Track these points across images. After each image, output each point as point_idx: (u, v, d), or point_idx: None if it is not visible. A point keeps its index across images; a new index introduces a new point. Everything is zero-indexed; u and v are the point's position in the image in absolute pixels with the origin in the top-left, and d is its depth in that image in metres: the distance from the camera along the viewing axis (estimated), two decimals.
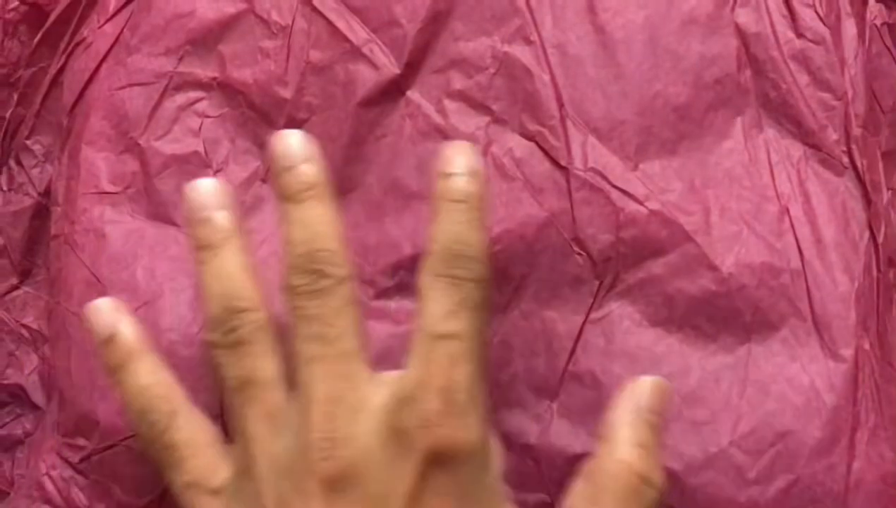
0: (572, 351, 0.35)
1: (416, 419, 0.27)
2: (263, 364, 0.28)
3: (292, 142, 0.30)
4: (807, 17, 0.36)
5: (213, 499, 0.29)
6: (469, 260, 0.28)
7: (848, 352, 0.34)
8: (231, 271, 0.29)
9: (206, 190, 0.30)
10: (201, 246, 0.30)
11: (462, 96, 0.36)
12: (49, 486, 0.35)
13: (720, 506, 0.34)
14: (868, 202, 0.35)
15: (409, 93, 0.36)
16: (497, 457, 0.29)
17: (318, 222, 0.29)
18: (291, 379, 0.28)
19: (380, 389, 0.28)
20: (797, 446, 0.34)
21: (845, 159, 0.36)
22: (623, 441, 0.29)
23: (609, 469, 0.28)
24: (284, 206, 0.29)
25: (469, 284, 0.28)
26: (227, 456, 0.29)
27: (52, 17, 0.39)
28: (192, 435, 0.29)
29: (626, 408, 0.29)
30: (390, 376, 0.28)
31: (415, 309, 0.29)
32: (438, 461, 0.27)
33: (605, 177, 0.35)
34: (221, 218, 0.30)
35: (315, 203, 0.29)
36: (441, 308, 0.28)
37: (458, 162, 0.29)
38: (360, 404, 0.27)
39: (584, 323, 0.35)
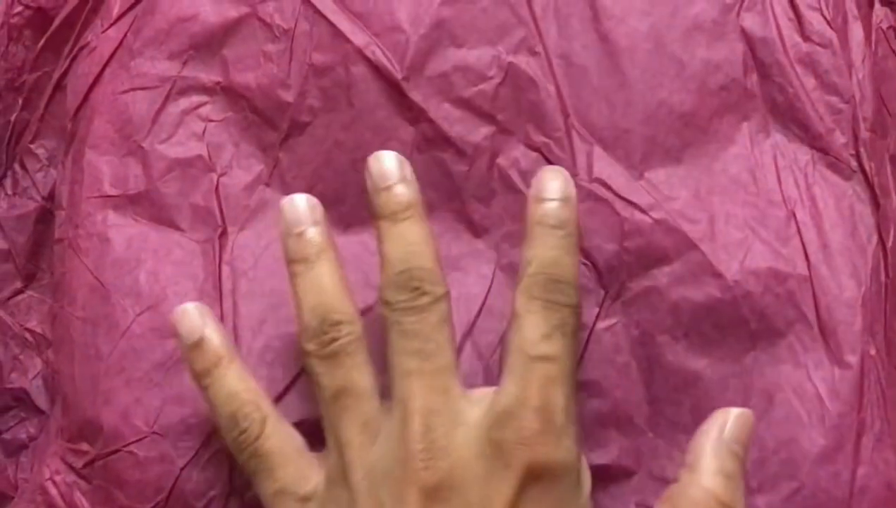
0: (579, 360, 0.35)
1: (515, 435, 0.28)
2: (359, 374, 0.30)
3: (388, 163, 0.31)
4: (813, 20, 0.37)
5: (303, 507, 0.30)
6: (565, 286, 0.30)
7: (853, 359, 0.34)
8: (326, 284, 0.31)
9: (300, 205, 0.32)
10: (296, 259, 0.31)
11: (467, 104, 0.36)
12: (52, 491, 0.36)
13: None
14: (876, 206, 0.36)
15: (412, 97, 0.36)
16: (587, 479, 0.30)
17: (416, 241, 0.31)
18: (384, 389, 0.30)
19: (474, 405, 0.30)
20: (801, 453, 0.34)
21: (853, 163, 0.36)
22: (708, 469, 0.30)
23: (693, 496, 0.29)
24: (381, 224, 0.31)
25: (565, 309, 0.30)
26: (317, 464, 0.31)
27: (57, 21, 0.39)
28: (282, 443, 0.31)
29: (711, 437, 0.30)
30: (483, 392, 0.30)
31: (508, 330, 0.30)
32: (535, 476, 0.28)
33: (609, 188, 0.35)
34: (315, 232, 0.32)
35: (412, 222, 0.31)
36: (538, 331, 0.29)
37: (553, 187, 0.31)
38: (457, 417, 0.29)
39: (590, 332, 0.35)
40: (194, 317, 0.32)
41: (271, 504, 0.31)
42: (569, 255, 0.31)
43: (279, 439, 0.31)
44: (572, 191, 0.32)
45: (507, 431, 0.29)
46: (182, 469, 0.34)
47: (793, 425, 0.34)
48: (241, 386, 0.31)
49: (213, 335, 0.32)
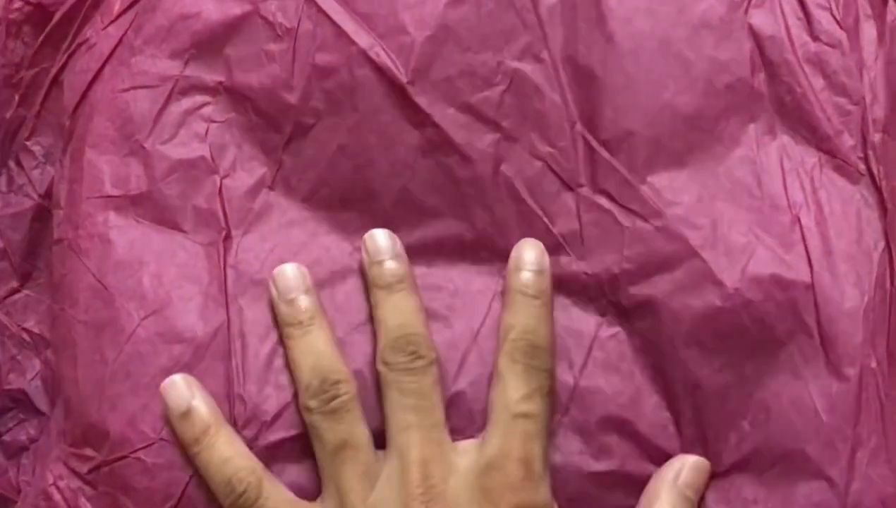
0: (582, 367, 0.36)
1: (501, 482, 0.34)
2: (358, 429, 0.35)
3: (381, 240, 0.37)
4: (823, 19, 0.38)
5: None
6: (543, 352, 0.36)
7: (852, 371, 0.35)
8: (322, 347, 0.36)
9: (290, 273, 0.37)
10: (290, 323, 0.36)
11: (472, 110, 0.37)
12: (56, 496, 0.37)
13: None
14: (884, 211, 0.37)
15: (417, 100, 0.37)
16: None
17: (409, 310, 0.36)
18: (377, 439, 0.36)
19: (463, 456, 0.35)
20: (795, 467, 0.35)
21: (861, 166, 0.37)
22: None
23: None
24: (377, 292, 0.36)
25: (542, 373, 0.36)
26: None
27: (56, 17, 0.40)
28: (279, 501, 0.35)
29: (666, 481, 0.36)
30: (468, 443, 0.36)
31: (491, 388, 0.36)
32: None
33: (612, 198, 0.37)
34: (306, 299, 0.36)
35: (406, 293, 0.36)
36: (519, 392, 0.35)
37: (530, 258, 0.37)
38: (450, 466, 0.35)
39: (592, 340, 0.37)
40: (181, 388, 0.36)
41: None
42: (545, 324, 0.36)
43: (276, 497, 0.35)
44: (547, 262, 0.37)
45: (495, 478, 0.34)
46: (191, 476, 0.36)
47: (789, 438, 0.36)
48: (232, 451, 0.35)
49: (201, 404, 0.35)
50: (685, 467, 0.36)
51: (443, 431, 0.35)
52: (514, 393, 0.35)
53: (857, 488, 0.35)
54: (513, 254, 0.37)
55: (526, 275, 0.36)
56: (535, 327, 0.36)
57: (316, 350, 0.36)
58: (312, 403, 0.35)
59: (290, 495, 0.36)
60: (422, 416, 0.35)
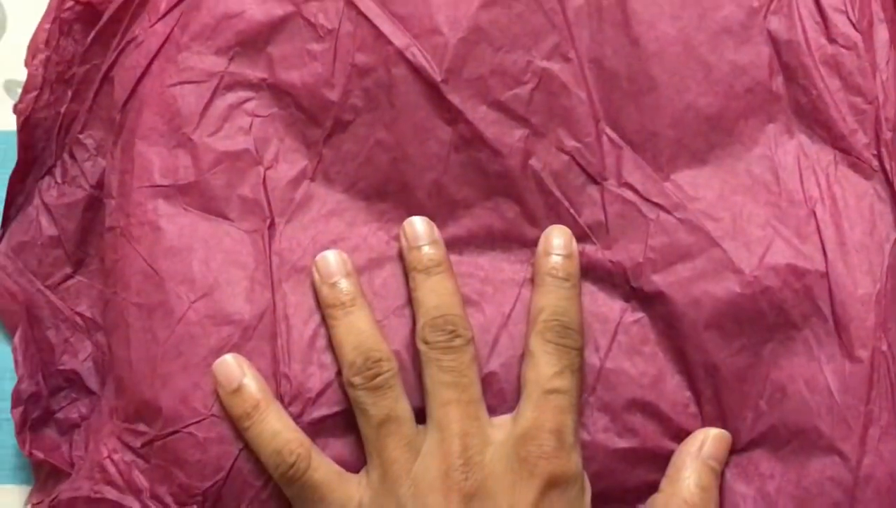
0: (608, 350, 0.39)
1: (536, 451, 0.36)
2: (400, 403, 0.38)
3: (420, 226, 0.39)
4: (839, 22, 0.39)
5: None
6: (573, 332, 0.38)
7: (864, 353, 0.37)
8: (363, 326, 0.38)
9: (332, 259, 0.39)
10: (332, 304, 0.39)
11: (502, 107, 0.39)
12: (111, 469, 0.39)
13: (732, 496, 0.38)
14: None
15: (450, 97, 0.39)
16: (588, 487, 0.38)
17: (447, 292, 0.38)
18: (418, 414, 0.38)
19: (498, 429, 0.37)
20: (809, 442, 0.37)
21: (875, 162, 0.39)
22: (686, 481, 0.37)
23: (671, 506, 0.37)
24: (416, 275, 0.39)
25: (573, 352, 0.38)
26: (356, 483, 0.38)
27: (106, 16, 0.42)
28: (327, 471, 0.37)
29: (690, 453, 0.38)
30: (502, 418, 0.38)
31: (524, 365, 0.38)
32: (553, 484, 0.36)
33: (636, 191, 0.39)
34: (347, 282, 0.39)
35: (443, 276, 0.39)
36: (552, 369, 0.37)
37: (559, 243, 0.39)
38: (487, 439, 0.37)
39: (617, 325, 0.39)
40: (232, 366, 0.38)
41: None
42: (574, 305, 0.38)
43: (324, 468, 0.37)
44: (575, 247, 0.39)
45: (530, 448, 0.36)
46: (241, 450, 0.38)
47: (803, 415, 0.38)
48: (281, 425, 0.37)
49: (251, 382, 0.38)
50: (708, 438, 0.38)
51: (480, 406, 0.37)
52: (546, 369, 0.37)
53: (868, 462, 0.37)
54: (541, 239, 0.39)
55: (555, 259, 0.39)
56: (565, 308, 0.38)
57: (357, 329, 0.38)
58: (356, 380, 0.37)
59: (336, 467, 0.38)
60: (460, 392, 0.37)
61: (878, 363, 0.37)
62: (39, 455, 0.40)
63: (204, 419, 0.38)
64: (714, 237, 0.39)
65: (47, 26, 0.42)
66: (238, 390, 0.37)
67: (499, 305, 0.40)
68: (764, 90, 0.39)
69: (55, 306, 0.42)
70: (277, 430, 0.37)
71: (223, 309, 0.39)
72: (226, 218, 0.40)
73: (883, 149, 0.39)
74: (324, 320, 0.39)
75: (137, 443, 0.39)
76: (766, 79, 0.39)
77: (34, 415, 0.41)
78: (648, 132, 0.39)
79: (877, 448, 0.37)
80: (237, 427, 0.38)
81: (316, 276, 0.39)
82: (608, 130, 0.39)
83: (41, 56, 0.42)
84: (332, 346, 0.39)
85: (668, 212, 0.39)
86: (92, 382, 0.42)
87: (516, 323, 0.39)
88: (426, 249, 0.39)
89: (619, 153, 0.39)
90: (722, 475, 0.38)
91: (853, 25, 0.39)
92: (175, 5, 0.41)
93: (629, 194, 0.39)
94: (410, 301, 0.39)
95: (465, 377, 0.37)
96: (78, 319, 0.42)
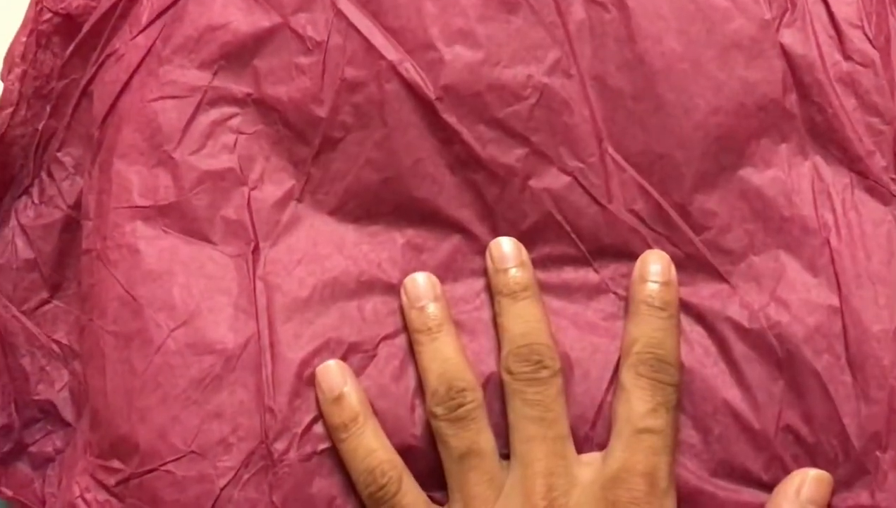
0: (609, 383, 0.38)
1: (626, 496, 0.35)
2: (483, 437, 0.36)
3: (507, 247, 0.38)
4: (855, 38, 0.38)
5: None
6: (669, 367, 0.36)
7: (881, 394, 0.36)
8: (449, 354, 0.37)
9: (421, 282, 0.38)
10: (420, 329, 0.38)
11: (500, 125, 0.38)
12: None
13: None
14: None
15: (445, 117, 0.38)
16: None
17: (534, 319, 0.37)
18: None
19: (586, 469, 0.36)
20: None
21: (893, 187, 0.38)
22: None
23: None
24: (502, 300, 0.37)
25: (668, 388, 0.36)
26: None
27: (85, 28, 0.41)
28: (415, 498, 0.37)
29: (788, 496, 0.36)
30: (591, 456, 0.36)
31: (615, 400, 0.36)
32: None
33: (642, 220, 0.38)
34: (436, 307, 0.38)
35: (530, 302, 0.37)
36: (645, 406, 0.36)
37: (657, 269, 0.37)
38: (574, 479, 0.36)
39: (619, 357, 0.38)
40: (335, 373, 0.37)
41: None
42: (671, 337, 0.37)
43: (413, 497, 0.37)
44: (674, 274, 0.37)
45: (620, 492, 0.35)
46: (222, 489, 0.37)
47: (819, 461, 0.36)
48: (378, 444, 0.36)
49: (353, 392, 0.37)
50: (807, 480, 0.36)
51: (566, 443, 0.36)
52: (640, 406, 0.36)
53: (882, 497, 0.35)
54: (637, 265, 0.38)
55: (651, 286, 0.37)
56: (661, 339, 0.36)
57: (443, 356, 0.37)
58: (439, 410, 0.36)
59: (425, 496, 0.37)
60: (546, 428, 0.36)
61: None
62: (8, 492, 0.39)
63: (183, 456, 0.37)
64: (721, 272, 0.38)
65: (24, 39, 0.41)
66: (339, 399, 0.37)
67: (495, 334, 0.38)
68: (777, 108, 0.38)
69: (30, 332, 0.41)
70: (373, 448, 0.36)
71: (204, 338, 0.37)
72: (208, 241, 0.39)
73: None
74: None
75: (112, 481, 0.38)
76: (780, 96, 0.38)
77: (5, 449, 0.40)
78: (655, 154, 0.38)
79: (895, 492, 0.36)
80: (332, 437, 0.37)
81: (404, 299, 0.38)
82: (612, 151, 0.38)
83: (17, 70, 0.41)
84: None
85: (675, 245, 0.38)
86: (68, 413, 0.41)
87: None
88: (513, 272, 0.38)
89: (623, 176, 0.38)
90: None
91: (870, 41, 0.38)
92: (157, 17, 0.40)
93: (633, 220, 0.38)
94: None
95: (551, 411, 0.36)
96: (54, 346, 0.41)
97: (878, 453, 0.35)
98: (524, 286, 0.37)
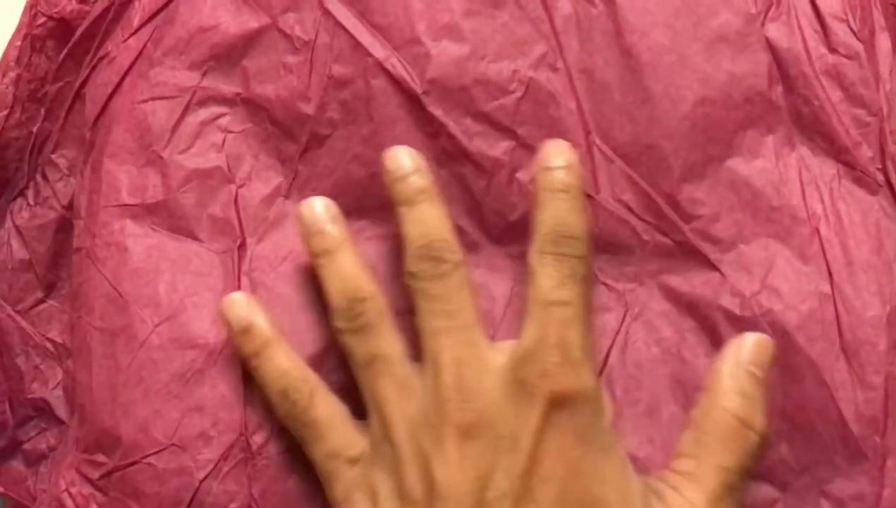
0: (605, 359, 0.37)
1: (537, 370, 0.32)
2: (387, 342, 0.34)
3: (402, 156, 0.35)
4: (840, 31, 0.37)
5: (352, 468, 0.34)
6: (573, 240, 0.33)
7: (877, 380, 0.34)
8: (348, 270, 0.35)
9: (317, 206, 0.36)
10: (318, 253, 0.35)
11: (487, 118, 0.37)
12: (68, 503, 0.36)
13: None
14: None
15: (431, 110, 0.37)
16: (608, 407, 0.33)
17: (432, 219, 0.34)
18: (413, 353, 0.34)
19: (498, 353, 0.33)
20: (825, 476, 0.35)
21: (880, 177, 0.36)
22: (725, 390, 0.33)
23: (712, 416, 0.33)
24: (400, 210, 0.35)
25: (574, 260, 0.33)
26: (362, 430, 0.34)
27: (79, 32, 0.40)
28: (329, 412, 0.34)
29: (729, 361, 0.33)
30: (506, 343, 0.34)
31: (526, 285, 0.34)
32: (559, 404, 0.31)
33: (631, 210, 0.36)
34: (333, 228, 0.35)
35: (427, 204, 0.35)
36: (551, 280, 0.33)
37: (557, 157, 0.34)
38: (484, 365, 0.33)
39: (609, 347, 0.36)
40: (242, 305, 0.35)
41: (322, 467, 0.34)
42: (574, 214, 0.34)
43: (327, 407, 0.34)
44: (574, 158, 0.35)
45: (529, 368, 0.32)
46: (201, 481, 0.35)
47: (816, 448, 0.35)
48: (289, 364, 0.35)
49: (261, 321, 0.35)
50: (746, 343, 0.34)
51: (474, 331, 0.33)
52: (546, 282, 0.33)
53: (888, 494, 0.34)
54: (538, 157, 0.35)
55: (553, 173, 0.34)
56: (563, 218, 0.34)
57: (342, 274, 0.35)
58: (341, 324, 0.34)
59: (343, 409, 0.35)
60: (450, 319, 0.33)
61: (893, 389, 0.34)
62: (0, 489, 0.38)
63: (164, 449, 0.35)
64: (712, 260, 0.36)
65: (18, 43, 0.40)
66: (248, 329, 0.35)
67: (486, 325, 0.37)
68: (763, 100, 0.36)
69: (25, 332, 0.40)
70: (285, 369, 0.35)
71: (188, 333, 0.36)
72: (195, 238, 0.37)
73: (888, 163, 0.36)
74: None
75: (96, 475, 0.36)
76: (765, 88, 0.36)
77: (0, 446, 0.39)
78: (642, 145, 0.36)
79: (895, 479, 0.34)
80: (247, 366, 0.35)
81: (301, 228, 0.36)
82: (599, 142, 0.37)
83: (12, 74, 0.40)
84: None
85: (664, 233, 0.36)
86: (61, 411, 0.39)
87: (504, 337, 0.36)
88: (411, 178, 0.35)
89: (611, 166, 0.37)
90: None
91: (854, 34, 0.37)
92: (149, 20, 0.39)
93: (622, 211, 0.36)
94: None
95: (453, 303, 0.33)
96: (49, 345, 0.40)
97: (876, 438, 0.34)
98: (420, 189, 0.35)
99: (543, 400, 0.31)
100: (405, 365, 0.34)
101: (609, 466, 0.32)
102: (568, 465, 0.31)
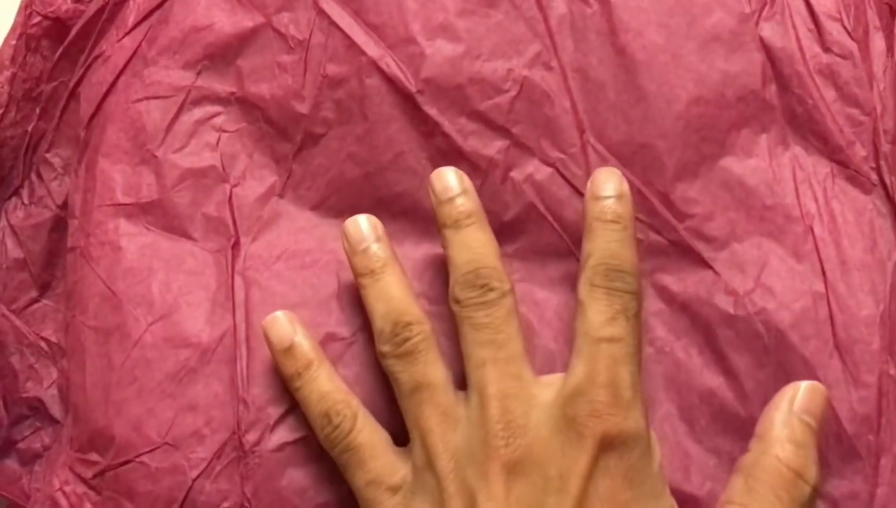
0: None
1: (586, 409, 0.31)
2: (433, 369, 0.33)
3: (449, 177, 0.34)
4: (834, 30, 0.36)
5: (393, 496, 0.33)
6: (625, 275, 0.32)
7: (871, 378, 0.34)
8: (394, 292, 0.34)
9: (363, 224, 0.35)
10: (363, 273, 0.34)
11: (481, 117, 0.36)
12: (62, 502, 0.36)
13: None
14: None
15: (426, 109, 0.36)
16: (657, 449, 0.32)
17: (479, 245, 0.33)
18: (458, 381, 0.33)
19: (545, 388, 0.32)
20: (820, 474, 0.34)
21: (874, 176, 0.36)
22: (778, 438, 0.32)
23: (764, 464, 0.31)
24: (446, 232, 0.34)
25: (626, 295, 0.32)
26: (404, 457, 0.33)
27: (74, 31, 0.39)
28: (371, 438, 0.33)
29: (782, 409, 0.32)
30: (552, 377, 0.33)
31: (574, 320, 0.33)
32: (608, 446, 0.31)
33: None
34: (378, 247, 0.34)
35: (475, 228, 0.34)
36: (602, 316, 0.32)
37: (609, 186, 0.33)
38: (531, 399, 0.32)
39: None
40: (284, 324, 0.34)
41: (363, 495, 0.33)
42: (626, 247, 0.33)
43: (369, 433, 0.33)
44: (626, 188, 0.34)
45: (579, 406, 0.31)
46: (194, 480, 0.35)
47: None
48: (331, 386, 0.34)
49: (303, 340, 0.34)
50: (799, 391, 0.32)
51: (521, 364, 0.32)
52: (596, 317, 0.32)
53: (882, 493, 0.33)
54: (588, 185, 0.34)
55: (604, 203, 0.33)
56: (615, 250, 0.32)
57: (388, 295, 0.33)
58: (385, 348, 0.33)
59: (384, 435, 0.34)
60: (496, 350, 0.32)
61: (887, 388, 0.33)
62: None
63: (157, 447, 0.34)
64: (706, 258, 0.35)
65: (13, 42, 0.39)
66: (290, 349, 0.34)
67: None
68: (757, 99, 0.36)
69: (20, 331, 0.39)
70: (326, 391, 0.34)
71: (181, 332, 0.35)
72: (189, 237, 0.37)
73: (882, 163, 0.35)
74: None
75: (89, 474, 0.35)
76: (759, 87, 0.36)
77: None
78: (636, 144, 0.36)
79: (890, 479, 0.33)
80: (288, 387, 0.34)
81: (345, 245, 0.35)
82: (593, 141, 0.36)
83: (7, 73, 0.39)
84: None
85: (658, 232, 0.36)
86: (56, 410, 0.39)
87: None
88: (457, 200, 0.34)
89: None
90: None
91: (848, 34, 0.36)
92: (143, 19, 0.39)
93: None
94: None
95: (501, 333, 0.32)
96: (43, 344, 0.39)
97: (869, 437, 0.33)
98: (468, 213, 0.33)
99: (593, 440, 0.31)
100: (450, 393, 0.33)
101: None
102: None
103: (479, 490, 0.31)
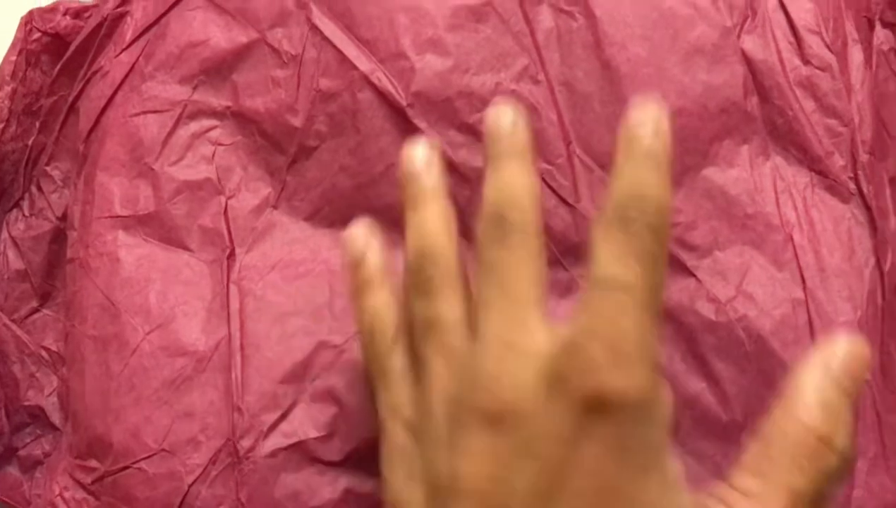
0: None
1: (577, 365, 0.25)
2: (448, 307, 0.29)
3: (505, 112, 0.30)
4: (813, 43, 0.37)
5: (404, 430, 0.30)
6: (648, 208, 0.26)
7: None
8: (429, 224, 0.30)
9: (419, 153, 0.31)
10: (408, 201, 0.31)
11: (470, 130, 0.36)
12: (62, 507, 0.36)
13: None
14: (874, 229, 0.36)
15: (416, 122, 0.36)
16: (665, 415, 0.26)
17: (512, 184, 0.29)
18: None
19: (551, 337, 0.27)
20: None
21: (852, 185, 0.36)
22: (805, 401, 0.27)
23: (786, 429, 0.27)
24: (488, 171, 0.29)
25: (644, 232, 0.26)
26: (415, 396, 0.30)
27: (73, 46, 0.39)
28: (403, 367, 0.30)
29: (816, 369, 0.27)
30: (564, 326, 0.27)
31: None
32: (597, 409, 0.25)
33: None
34: (427, 175, 0.31)
35: (514, 168, 0.29)
36: (611, 254, 0.26)
37: (645, 122, 0.27)
38: (530, 349, 0.27)
39: None
40: (359, 240, 0.32)
41: (384, 417, 0.30)
42: (656, 181, 0.26)
43: (402, 363, 0.30)
44: (666, 126, 0.27)
45: (569, 362, 0.25)
46: (190, 485, 0.35)
47: None
48: (384, 308, 0.31)
49: (373, 258, 0.32)
50: (839, 349, 0.27)
51: (529, 310, 0.27)
52: (604, 256, 0.26)
53: (858, 495, 0.34)
54: (623, 122, 0.28)
55: (637, 138, 0.27)
56: (641, 182, 0.26)
57: (422, 228, 0.30)
58: (408, 281, 0.30)
59: (412, 370, 0.31)
60: (502, 291, 0.27)
61: (862, 393, 0.34)
62: None
63: (154, 454, 0.35)
64: (689, 266, 0.36)
65: (13, 58, 0.39)
66: (358, 263, 0.31)
67: None
68: (738, 110, 0.36)
69: (21, 340, 0.39)
70: (378, 309, 0.31)
71: (178, 341, 0.36)
72: (186, 248, 0.37)
73: (860, 172, 0.36)
74: None
75: (88, 480, 0.36)
76: (741, 99, 0.36)
77: None
78: None
79: (865, 481, 0.34)
80: (353, 300, 0.32)
81: (401, 173, 0.31)
82: (579, 152, 0.37)
83: (7, 88, 0.39)
84: (288, 372, 0.34)
85: None
86: (56, 418, 0.39)
87: None
88: (514, 133, 0.30)
89: (591, 176, 0.36)
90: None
91: (827, 46, 0.37)
92: (140, 35, 0.39)
93: None
94: None
95: (511, 274, 0.28)
96: (44, 353, 0.39)
97: None
98: (514, 150, 0.29)
99: (577, 401, 0.25)
100: (458, 334, 0.29)
101: (653, 490, 0.25)
102: (601, 485, 0.25)
103: (459, 442, 0.27)
